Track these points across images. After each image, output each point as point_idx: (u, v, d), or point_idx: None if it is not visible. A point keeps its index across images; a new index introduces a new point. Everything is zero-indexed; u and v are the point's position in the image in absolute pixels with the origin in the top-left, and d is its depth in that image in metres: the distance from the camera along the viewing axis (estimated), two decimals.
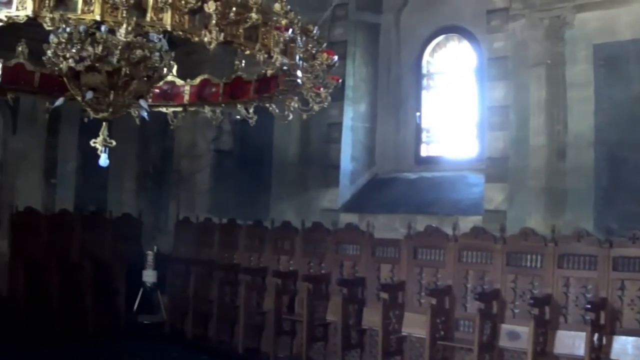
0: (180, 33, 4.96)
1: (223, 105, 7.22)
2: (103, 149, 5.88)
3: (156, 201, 16.86)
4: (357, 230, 12.41)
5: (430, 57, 13.89)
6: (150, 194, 16.96)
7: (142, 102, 6.07)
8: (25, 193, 15.66)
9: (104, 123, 5.95)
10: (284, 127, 12.97)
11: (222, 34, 4.94)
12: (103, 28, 5.25)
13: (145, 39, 5.52)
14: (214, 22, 4.90)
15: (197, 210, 15.46)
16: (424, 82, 13.92)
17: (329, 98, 6.37)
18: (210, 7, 4.85)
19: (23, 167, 15.80)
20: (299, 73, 5.90)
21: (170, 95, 7.29)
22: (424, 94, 13.86)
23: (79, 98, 5.82)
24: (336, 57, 6.15)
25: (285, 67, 5.70)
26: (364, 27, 13.96)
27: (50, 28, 4.73)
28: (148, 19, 4.82)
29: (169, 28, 4.88)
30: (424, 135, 13.84)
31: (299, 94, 6.45)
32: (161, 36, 5.52)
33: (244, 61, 6.89)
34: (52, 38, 5.44)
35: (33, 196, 15.62)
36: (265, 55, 5.39)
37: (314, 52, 5.96)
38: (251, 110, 6.96)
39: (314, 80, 6.14)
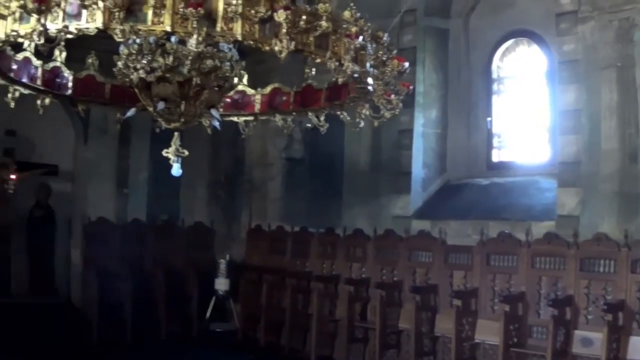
0: (251, 42, 4.96)
1: (294, 113, 7.18)
2: (175, 159, 5.89)
3: (228, 210, 16.96)
4: (430, 237, 12.32)
5: (500, 62, 13.73)
6: (222, 203, 17.07)
7: (213, 112, 6.11)
8: (98, 203, 15.88)
9: (176, 133, 5.98)
10: (354, 135, 12.95)
11: (293, 43, 4.94)
12: (173, 39, 5.32)
13: (215, 49, 5.57)
14: (284, 30, 4.90)
15: (269, 219, 15.47)
16: (494, 86, 13.78)
17: (400, 105, 6.26)
18: (280, 16, 4.86)
19: (95, 177, 16.06)
20: (369, 80, 5.85)
21: (241, 104, 7.28)
22: (494, 98, 13.72)
23: (151, 109, 5.89)
24: (407, 64, 6.07)
25: (356, 75, 5.66)
26: (433, 32, 13.89)
27: (121, 40, 4.76)
28: (218, 29, 4.83)
29: (239, 38, 4.88)
30: (495, 141, 13.69)
31: (370, 101, 6.38)
32: (231, 46, 5.58)
33: (314, 69, 6.86)
34: (123, 49, 5.54)
35: (105, 206, 15.85)
36: (336, 63, 5.37)
37: (384, 59, 5.90)
38: (322, 118, 6.91)
39: (384, 87, 6.07)
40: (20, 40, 5.00)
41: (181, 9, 4.66)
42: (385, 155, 13.73)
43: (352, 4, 5.55)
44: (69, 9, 4.70)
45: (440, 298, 11.76)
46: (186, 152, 5.90)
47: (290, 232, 14.72)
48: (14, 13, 4.85)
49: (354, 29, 5.45)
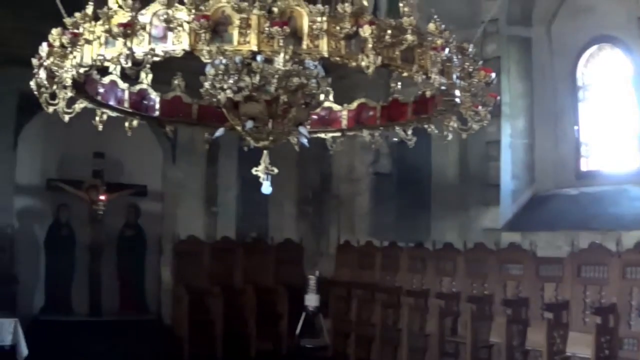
0: (337, 59, 4.96)
1: (381, 128, 7.15)
2: (265, 176, 5.89)
3: (317, 226, 17.03)
4: (520, 249, 12.13)
5: (585, 68, 13.44)
6: (310, 219, 17.15)
7: (302, 130, 6.12)
8: (187, 222, 16.14)
9: (264, 151, 5.99)
10: (442, 147, 12.86)
11: (379, 58, 4.92)
12: (259, 58, 5.31)
13: (301, 67, 5.56)
14: (370, 46, 4.88)
15: (358, 234, 15.46)
16: (580, 94, 13.48)
17: (489, 116, 6.19)
18: (365, 32, 4.84)
19: (184, 196, 16.34)
20: (457, 92, 5.77)
21: (328, 120, 7.29)
22: (580, 106, 13.43)
23: (239, 128, 5.91)
24: (493, 75, 6.01)
25: (443, 88, 5.59)
26: (516, 41, 13.72)
27: (208, 61, 4.82)
28: (304, 46, 4.85)
29: (325, 55, 4.89)
30: (583, 149, 13.38)
31: (457, 113, 6.33)
32: (317, 63, 5.54)
33: (399, 83, 6.85)
34: (209, 70, 5.58)
35: (195, 225, 16.11)
36: (423, 77, 5.32)
37: (470, 70, 5.85)
38: (409, 132, 6.88)
39: (472, 98, 5.98)
40: (106, 64, 5.07)
41: (267, 28, 4.68)
42: (473, 167, 13.60)
43: (435, 17, 5.49)
44: (154, 32, 4.77)
45: (531, 311, 11.54)
46: (276, 170, 5.91)
47: (379, 247, 14.66)
48: (99, 37, 4.93)
49: (439, 41, 5.40)
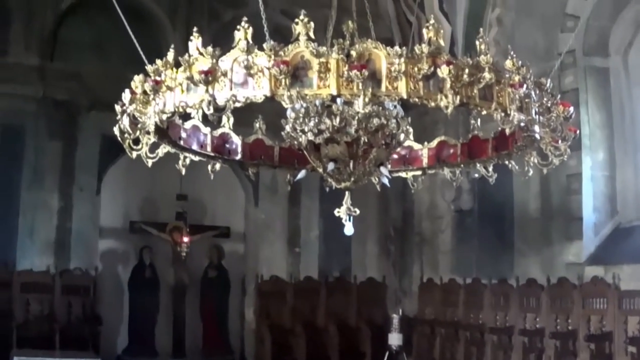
0: (416, 100, 4.96)
1: (462, 165, 7.08)
2: (347, 218, 5.87)
3: (399, 263, 17.02)
4: (603, 282, 11.85)
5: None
6: (393, 257, 17.13)
7: (383, 170, 6.11)
8: (270, 262, 16.35)
9: (346, 192, 5.99)
10: (523, 182, 12.74)
11: (458, 97, 4.92)
12: (339, 100, 5.37)
13: (381, 107, 5.61)
14: (448, 85, 4.89)
15: (441, 271, 15.41)
16: None
17: (568, 151, 6.11)
18: (443, 72, 4.86)
19: (267, 237, 16.55)
20: (536, 128, 5.71)
21: (408, 159, 7.22)
22: None
23: (320, 170, 5.96)
24: (572, 109, 5.95)
25: (522, 124, 5.58)
26: (593, 72, 13.51)
27: (289, 106, 4.87)
28: (383, 88, 4.87)
29: (404, 96, 4.90)
30: None
31: (537, 149, 6.24)
32: (396, 103, 5.58)
33: (479, 120, 6.76)
34: (290, 113, 5.64)
35: (277, 265, 16.30)
36: (502, 114, 5.31)
37: (549, 105, 5.78)
38: (490, 169, 6.81)
39: (551, 134, 5.92)
40: (188, 110, 5.16)
41: (345, 72, 4.73)
42: (555, 200, 13.44)
43: (512, 53, 5.49)
44: (235, 78, 4.85)
45: (615, 345, 11.33)
46: (357, 211, 5.86)
47: (462, 284, 14.55)
48: (181, 84, 5.03)
49: (517, 78, 5.35)
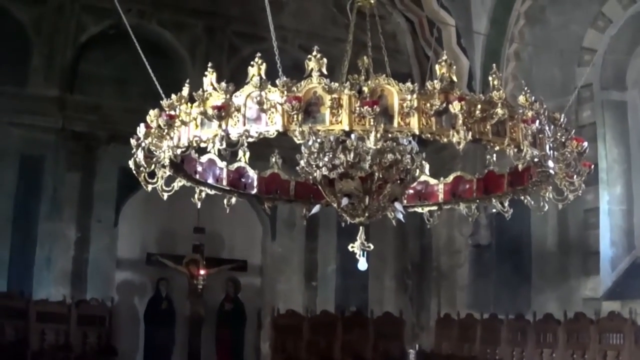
0: (429, 135, 4.99)
1: (477, 200, 7.12)
2: (361, 253, 5.92)
3: (416, 298, 16.93)
4: (620, 318, 11.84)
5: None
6: (410, 292, 17.06)
7: (397, 205, 6.17)
8: (286, 296, 16.29)
9: (361, 227, 6.01)
10: (541, 217, 12.58)
11: (470, 133, 4.92)
12: (353, 136, 5.43)
13: (395, 143, 5.63)
14: (460, 121, 4.90)
15: (458, 306, 15.29)
16: None
17: (583, 186, 6.13)
18: (455, 107, 4.87)
19: (284, 270, 16.49)
20: (550, 163, 5.71)
21: (424, 194, 7.28)
22: None
23: (335, 204, 6.00)
24: (586, 144, 5.94)
25: (536, 159, 5.57)
26: (611, 106, 13.50)
27: (301, 141, 4.88)
28: (395, 124, 4.90)
29: (416, 132, 4.94)
30: None
31: (552, 184, 6.29)
32: (410, 138, 5.61)
33: (495, 155, 6.80)
34: (304, 149, 5.73)
35: (294, 299, 16.22)
36: (515, 149, 5.30)
37: (563, 140, 5.78)
38: (506, 204, 6.84)
39: (565, 169, 5.94)
40: (202, 144, 5.18)
41: (357, 108, 4.74)
42: (572, 235, 13.39)
43: (526, 88, 5.46)
44: (248, 113, 4.90)
45: None
46: (372, 246, 5.93)
47: (480, 319, 14.42)
48: (195, 119, 5.09)
49: (529, 114, 5.36)
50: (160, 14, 15.42)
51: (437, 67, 5.08)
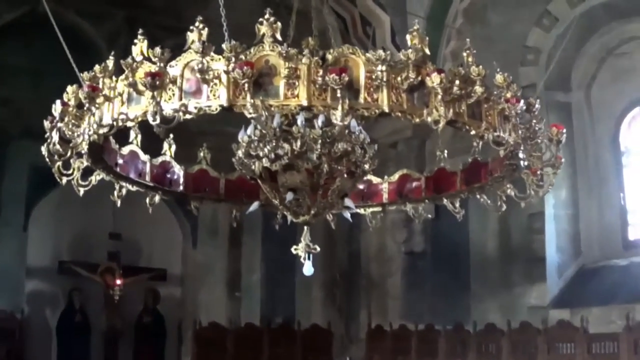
0: (399, 114, 4.39)
1: (427, 200, 6.63)
2: (306, 255, 5.40)
3: (346, 309, 16.31)
4: (570, 326, 11.40)
5: (627, 132, 13.12)
6: (339, 302, 16.40)
7: (347, 202, 5.61)
8: (209, 307, 15.64)
9: (305, 227, 5.41)
10: (480, 222, 12.45)
11: (450, 111, 4.31)
12: (299, 120, 4.83)
13: (347, 131, 4.90)
14: (439, 98, 4.30)
15: (390, 317, 14.65)
16: (624, 159, 13.10)
17: (553, 181, 5.77)
18: (434, 81, 4.20)
19: (205, 280, 15.82)
20: (520, 154, 5.24)
21: (367, 194, 6.76)
22: (625, 172, 13.03)
23: (277, 201, 5.35)
24: (564, 131, 5.48)
25: (510, 148, 5.07)
26: (555, 107, 13.18)
27: (253, 115, 4.25)
28: (361, 100, 4.27)
29: (386, 109, 4.32)
30: (630, 217, 12.92)
31: (513, 181, 5.89)
32: (360, 126, 5.00)
33: (445, 151, 6.44)
34: (243, 137, 5.03)
35: (217, 310, 15.52)
36: (494, 134, 4.77)
37: (536, 128, 5.28)
38: (457, 204, 6.33)
39: (537, 161, 5.45)
40: (129, 124, 4.49)
41: (319, 78, 4.02)
42: (515, 241, 13.05)
43: (498, 69, 4.98)
44: (186, 85, 4.24)
45: None
46: (318, 248, 5.39)
47: (415, 330, 13.76)
48: (121, 94, 4.40)
49: (508, 94, 4.88)
50: (79, 2, 14.54)
51: (407, 37, 4.53)
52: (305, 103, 4.16)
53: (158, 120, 4.07)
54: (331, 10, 15.43)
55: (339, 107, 4.07)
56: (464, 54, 4.75)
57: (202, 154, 6.53)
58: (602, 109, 13.29)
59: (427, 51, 4.49)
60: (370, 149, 5.23)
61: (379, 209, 6.80)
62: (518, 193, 5.94)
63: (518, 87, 5.00)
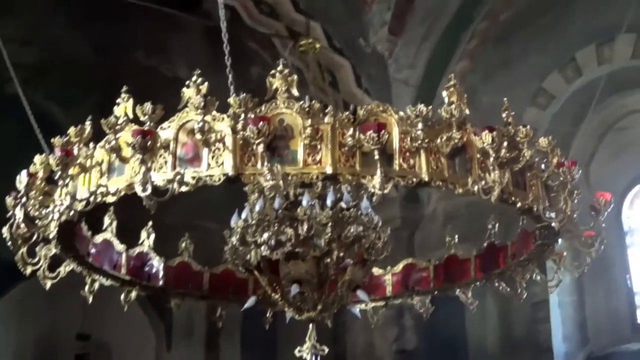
0: (439, 183, 3.76)
1: (436, 292, 6.13)
2: (313, 358, 4.95)
3: None
4: None
5: (630, 211, 12.57)
6: None
7: (361, 294, 5.13)
8: None
9: (311, 325, 4.99)
10: (477, 315, 11.60)
11: (506, 174, 3.77)
12: (305, 201, 4.44)
13: (359, 212, 4.53)
14: (491, 160, 3.73)
15: None
16: (628, 239, 12.48)
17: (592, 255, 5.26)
18: (485, 140, 3.65)
19: None
20: (555, 226, 4.56)
21: (368, 287, 6.00)
22: (630, 252, 12.40)
23: (277, 296, 4.84)
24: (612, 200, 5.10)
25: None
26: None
27: (269, 183, 3.49)
28: (395, 167, 3.62)
29: (425, 177, 3.68)
30: (637, 300, 12.22)
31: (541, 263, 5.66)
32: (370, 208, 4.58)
33: (456, 236, 5.98)
34: (237, 222, 4.59)
35: None
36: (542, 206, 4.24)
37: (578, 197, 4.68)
38: (469, 294, 5.93)
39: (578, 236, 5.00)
40: (109, 199, 3.80)
41: (349, 139, 3.38)
42: (518, 332, 12.37)
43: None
44: (181, 151, 3.59)
45: None
46: (326, 349, 5.03)
47: None
48: (100, 164, 3.77)
49: (555, 160, 4.43)
50: (49, 85, 13.98)
51: (444, 93, 3.96)
52: (329, 171, 3.51)
53: (149, 191, 3.39)
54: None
55: (378, 172, 3.39)
56: (504, 115, 4.18)
57: (183, 245, 5.97)
58: (602, 187, 12.72)
59: (467, 111, 3.92)
60: (384, 233, 4.74)
61: (381, 303, 6.27)
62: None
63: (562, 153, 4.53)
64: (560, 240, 5.10)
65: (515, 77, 12.23)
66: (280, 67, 3.68)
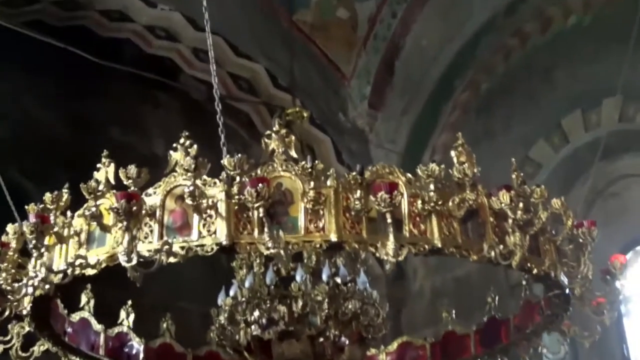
0: (453, 250, 3.43)
1: None
2: None
3: None
4: None
5: (623, 279, 12.17)
6: None
7: None
8: None
9: None
10: None
11: (527, 237, 3.47)
12: (299, 276, 4.28)
13: (357, 287, 4.38)
14: (510, 221, 3.42)
15: None
16: (622, 308, 12.19)
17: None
18: (502, 199, 3.35)
19: None
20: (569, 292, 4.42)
21: None
22: (625, 321, 11.84)
23: None
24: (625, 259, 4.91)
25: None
26: None
27: (272, 251, 3.16)
28: (405, 233, 3.29)
29: (438, 244, 3.37)
30: None
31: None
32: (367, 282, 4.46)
33: (454, 311, 5.68)
34: (225, 300, 4.45)
35: None
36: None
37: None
38: None
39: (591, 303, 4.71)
40: (88, 272, 3.44)
41: (357, 202, 3.12)
42: None
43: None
44: (169, 219, 3.28)
45: None
46: None
47: None
48: (78, 233, 3.46)
49: (569, 222, 4.10)
50: (23, 159, 13.75)
51: (453, 153, 3.65)
52: (334, 238, 3.20)
53: (134, 261, 3.06)
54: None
55: (391, 238, 3.06)
56: (513, 176, 3.85)
57: (165, 326, 5.64)
58: (594, 256, 12.52)
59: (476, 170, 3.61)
60: (382, 309, 4.59)
61: None
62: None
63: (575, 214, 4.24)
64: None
65: (500, 147, 12.16)
66: (276, 127, 3.44)
